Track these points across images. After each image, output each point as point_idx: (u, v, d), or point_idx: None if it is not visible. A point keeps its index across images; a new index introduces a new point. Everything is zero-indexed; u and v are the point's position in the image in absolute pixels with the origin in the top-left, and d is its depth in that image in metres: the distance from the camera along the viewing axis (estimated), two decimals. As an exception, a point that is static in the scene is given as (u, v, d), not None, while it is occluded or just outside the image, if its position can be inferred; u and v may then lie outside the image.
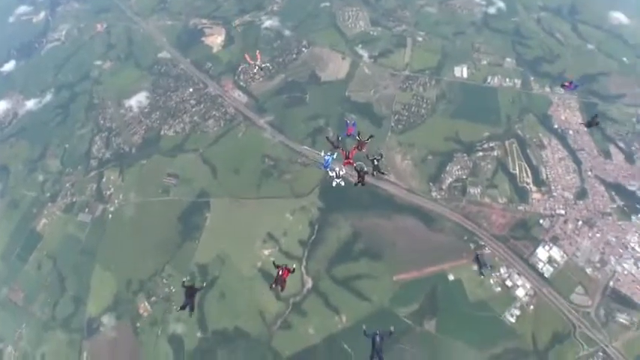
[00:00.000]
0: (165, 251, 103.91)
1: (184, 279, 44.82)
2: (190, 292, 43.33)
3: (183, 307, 42.12)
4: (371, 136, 50.44)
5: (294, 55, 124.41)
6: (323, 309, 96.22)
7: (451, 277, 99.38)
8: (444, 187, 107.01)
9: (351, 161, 46.88)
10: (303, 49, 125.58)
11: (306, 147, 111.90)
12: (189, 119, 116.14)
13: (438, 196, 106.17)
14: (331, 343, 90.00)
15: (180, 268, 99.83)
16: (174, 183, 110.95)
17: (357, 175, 47.09)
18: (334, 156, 48.20)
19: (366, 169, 47.83)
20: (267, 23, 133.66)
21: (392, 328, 39.64)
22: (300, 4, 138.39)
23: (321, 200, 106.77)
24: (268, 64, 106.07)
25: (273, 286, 41.92)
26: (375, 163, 48.04)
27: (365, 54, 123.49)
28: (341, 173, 48.64)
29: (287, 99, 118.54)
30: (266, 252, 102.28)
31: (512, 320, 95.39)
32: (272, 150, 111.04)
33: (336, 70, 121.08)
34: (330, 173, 48.41)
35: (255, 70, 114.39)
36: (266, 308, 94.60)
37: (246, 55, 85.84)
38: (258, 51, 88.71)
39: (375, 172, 48.91)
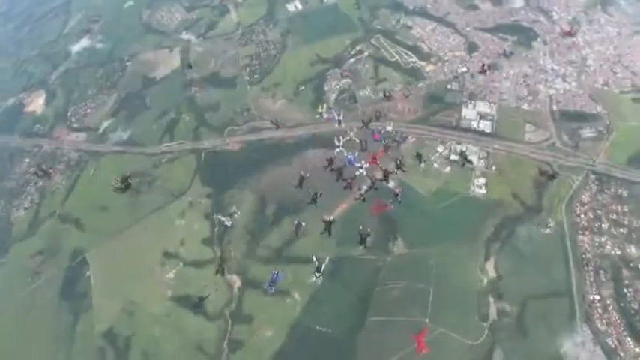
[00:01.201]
0: (62, 343, 77.44)
1: None
2: None
3: None
4: (396, 141, 56.18)
5: (120, 73, 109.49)
6: (268, 300, 74.22)
7: (391, 184, 76.84)
8: (331, 104, 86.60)
9: (378, 162, 51.97)
10: (127, 63, 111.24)
11: (166, 144, 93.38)
12: (34, 189, 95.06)
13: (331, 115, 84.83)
14: (299, 330, 71.91)
15: (86, 352, 75.52)
16: (41, 261, 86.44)
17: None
18: (356, 154, 51.16)
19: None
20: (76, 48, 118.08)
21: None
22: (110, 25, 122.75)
23: (207, 185, 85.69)
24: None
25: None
26: (398, 163, 51.79)
27: (191, 37, 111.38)
28: (365, 166, 51.80)
29: (127, 113, 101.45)
30: (171, 275, 79.33)
31: (483, 192, 77.13)
32: (132, 166, 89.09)
33: (168, 64, 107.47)
34: (357, 165, 50.55)
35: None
36: (202, 339, 73.83)
37: None
38: None
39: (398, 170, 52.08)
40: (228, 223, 77.38)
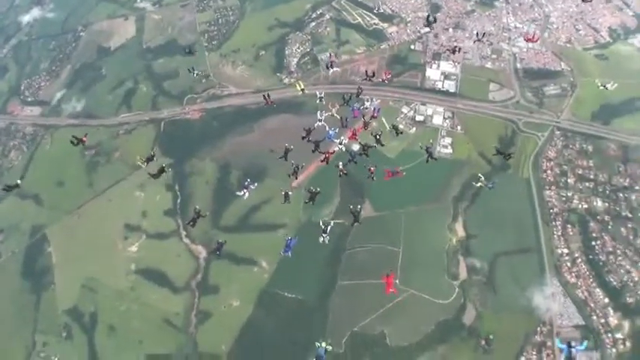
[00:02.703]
0: (26, 322, 72.74)
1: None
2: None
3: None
4: (373, 117, 56.24)
5: (74, 44, 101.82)
6: (235, 269, 70.97)
7: (356, 147, 71.64)
8: (292, 69, 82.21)
9: (357, 137, 53.54)
10: (81, 33, 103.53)
11: (124, 115, 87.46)
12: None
13: (292, 80, 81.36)
14: (268, 298, 68.46)
15: (50, 330, 71.12)
16: (1, 240, 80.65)
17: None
18: (337, 130, 51.51)
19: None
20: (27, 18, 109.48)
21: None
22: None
23: (167, 155, 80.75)
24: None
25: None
26: (377, 137, 50.88)
27: (147, 5, 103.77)
28: (344, 142, 51.37)
29: (82, 84, 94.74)
30: (134, 248, 74.60)
31: (449, 151, 73.19)
32: (88, 139, 79.16)
33: (123, 33, 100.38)
34: (336, 140, 50.85)
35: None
36: (168, 311, 69.84)
37: None
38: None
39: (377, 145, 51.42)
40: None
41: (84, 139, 46.14)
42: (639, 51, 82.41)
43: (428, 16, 73.02)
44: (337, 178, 63.69)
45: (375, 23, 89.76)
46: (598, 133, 75.21)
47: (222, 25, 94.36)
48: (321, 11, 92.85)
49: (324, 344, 39.41)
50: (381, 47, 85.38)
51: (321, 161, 52.54)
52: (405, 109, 77.66)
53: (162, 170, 46.09)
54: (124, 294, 71.32)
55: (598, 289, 63.93)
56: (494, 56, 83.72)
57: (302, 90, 68.80)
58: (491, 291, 63.48)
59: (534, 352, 60.29)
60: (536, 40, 65.11)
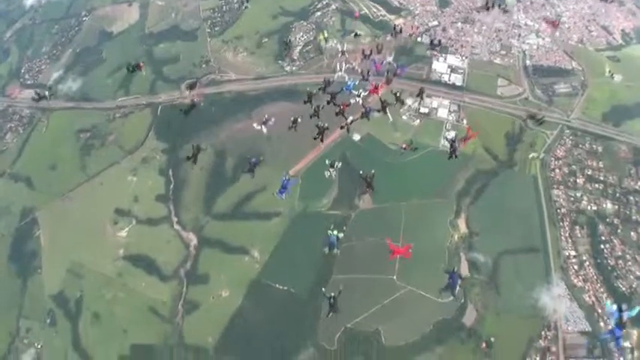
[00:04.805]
0: (11, 306, 68.79)
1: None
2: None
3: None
4: (396, 74, 55.67)
5: (77, 28, 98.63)
6: (225, 258, 66.69)
7: (357, 137, 68.25)
8: (295, 57, 79.80)
9: (378, 92, 49.34)
10: (84, 18, 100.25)
11: (121, 98, 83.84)
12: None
13: (294, 68, 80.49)
14: (258, 289, 63.87)
15: (35, 315, 67.15)
16: None
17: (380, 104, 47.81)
18: (356, 82, 49.00)
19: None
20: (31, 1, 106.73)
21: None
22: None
23: (162, 140, 76.91)
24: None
25: None
26: (398, 95, 48.89)
27: None
28: (364, 95, 48.82)
29: (81, 67, 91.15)
30: (123, 233, 70.54)
31: None
32: (84, 122, 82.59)
33: (127, 18, 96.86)
34: (355, 92, 48.52)
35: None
36: (156, 300, 65.51)
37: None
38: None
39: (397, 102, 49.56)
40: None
41: (141, 64, 45.85)
42: (652, 54, 77.37)
43: (432, 41, 70.36)
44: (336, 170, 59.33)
45: (382, 15, 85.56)
46: (609, 134, 70.99)
47: (226, 12, 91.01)
48: (327, 1, 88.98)
49: (335, 232, 40.92)
50: (387, 39, 79.83)
51: (336, 114, 48.87)
52: (409, 101, 72.75)
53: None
54: (111, 280, 67.16)
55: (606, 295, 59.25)
56: (503, 52, 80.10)
57: (325, 39, 66.62)
58: (494, 291, 58.91)
59: (538, 358, 54.95)
60: (557, 25, 60.64)
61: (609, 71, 55.81)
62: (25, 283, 69.35)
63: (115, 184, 74.02)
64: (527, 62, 78.78)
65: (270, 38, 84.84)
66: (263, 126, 46.84)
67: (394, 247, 43.18)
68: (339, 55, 52.81)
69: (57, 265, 69.72)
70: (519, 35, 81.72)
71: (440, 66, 77.26)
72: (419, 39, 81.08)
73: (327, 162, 43.00)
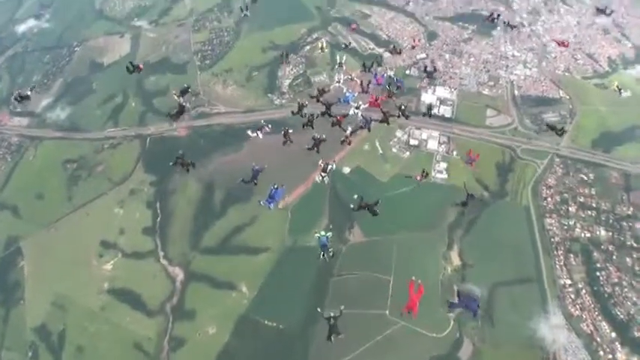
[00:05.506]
0: None
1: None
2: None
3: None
4: (398, 87, 55.32)
5: (68, 58, 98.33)
6: (213, 293, 64.61)
7: (347, 170, 67.52)
8: (284, 90, 78.78)
9: (379, 105, 49.57)
10: (76, 48, 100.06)
11: (109, 130, 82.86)
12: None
13: (283, 101, 79.14)
14: (247, 326, 61.70)
15: (17, 347, 64.29)
16: None
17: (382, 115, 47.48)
18: (355, 94, 48.96)
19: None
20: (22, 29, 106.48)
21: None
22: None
23: (150, 172, 75.61)
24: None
25: None
26: (402, 108, 48.77)
27: (143, 23, 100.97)
28: (363, 107, 48.16)
29: (71, 97, 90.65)
30: (108, 266, 68.49)
31: (445, 176, 67.06)
32: (72, 152, 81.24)
33: (118, 50, 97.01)
34: (352, 103, 47.86)
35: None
36: (140, 336, 62.92)
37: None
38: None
39: (400, 116, 49.40)
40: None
41: (140, 66, 46.67)
42: (638, 81, 77.88)
43: (425, 68, 70.93)
44: (325, 200, 57.83)
45: (371, 48, 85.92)
46: (599, 161, 71.04)
47: (217, 46, 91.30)
48: (316, 35, 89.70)
49: (323, 232, 39.11)
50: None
51: (332, 124, 47.46)
52: (398, 133, 72.80)
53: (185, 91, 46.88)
54: (95, 314, 64.88)
55: (604, 323, 57.97)
56: (491, 83, 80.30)
57: (322, 49, 66.45)
58: (490, 324, 56.66)
59: (537, 392, 52.83)
60: (567, 46, 69.29)
61: (617, 86, 56.50)
62: (7, 314, 66.84)
63: (102, 216, 72.34)
64: (516, 92, 79.04)
65: (260, 71, 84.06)
66: (259, 132, 45.96)
67: (413, 296, 36.43)
68: (337, 66, 53.09)
69: (40, 297, 67.43)
70: (507, 66, 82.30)
71: (429, 98, 77.11)
72: (407, 71, 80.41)
73: (320, 163, 42.10)
